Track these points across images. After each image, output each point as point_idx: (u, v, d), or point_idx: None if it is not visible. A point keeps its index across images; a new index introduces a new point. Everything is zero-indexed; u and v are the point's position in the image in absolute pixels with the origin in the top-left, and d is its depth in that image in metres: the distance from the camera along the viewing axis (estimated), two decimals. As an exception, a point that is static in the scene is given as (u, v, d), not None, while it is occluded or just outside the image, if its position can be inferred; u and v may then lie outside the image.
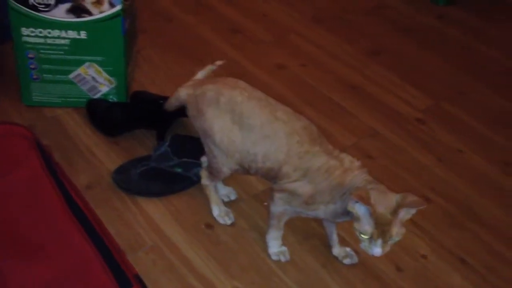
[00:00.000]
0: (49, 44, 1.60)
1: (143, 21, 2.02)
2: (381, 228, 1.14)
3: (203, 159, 1.46)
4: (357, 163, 1.24)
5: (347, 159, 1.25)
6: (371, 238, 1.15)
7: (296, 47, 2.15)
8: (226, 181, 1.52)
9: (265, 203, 1.46)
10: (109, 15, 1.56)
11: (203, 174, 1.44)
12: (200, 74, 1.46)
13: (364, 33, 2.28)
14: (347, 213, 1.20)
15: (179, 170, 1.50)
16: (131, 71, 1.79)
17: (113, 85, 1.69)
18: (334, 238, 1.40)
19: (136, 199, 1.49)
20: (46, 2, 1.54)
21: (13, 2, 1.53)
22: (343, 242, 1.43)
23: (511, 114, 1.96)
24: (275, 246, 1.39)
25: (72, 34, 1.58)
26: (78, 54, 1.63)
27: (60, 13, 1.55)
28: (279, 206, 1.32)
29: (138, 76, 1.87)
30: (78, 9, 1.55)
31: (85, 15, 1.56)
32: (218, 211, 1.46)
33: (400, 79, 2.04)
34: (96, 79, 1.68)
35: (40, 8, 1.54)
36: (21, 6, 1.54)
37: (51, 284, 1.05)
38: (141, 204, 1.48)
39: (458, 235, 1.52)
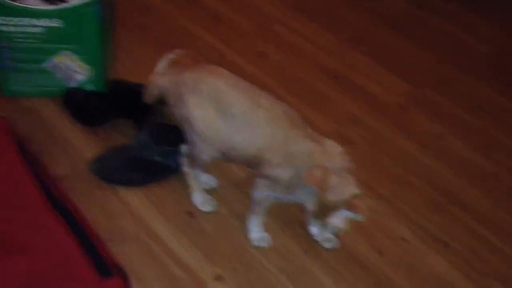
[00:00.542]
0: (23, 33, 1.56)
1: (123, 12, 1.98)
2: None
3: (183, 147, 1.44)
4: (339, 149, 1.24)
5: (329, 143, 1.25)
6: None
7: (279, 36, 2.14)
8: (207, 169, 1.50)
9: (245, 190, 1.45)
10: (85, 3, 1.53)
11: (184, 161, 1.42)
12: (161, 64, 1.40)
13: (346, 22, 2.27)
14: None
15: (159, 158, 1.48)
16: (109, 62, 1.76)
17: (89, 74, 1.66)
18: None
19: (116, 189, 1.47)
20: (18, -10, 1.50)
21: (-16, -10, 1.49)
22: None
23: (492, 101, 1.97)
24: (257, 232, 1.38)
25: (46, 22, 1.55)
26: (53, 42, 1.59)
27: (33, 1, 1.51)
28: (261, 192, 1.31)
29: (118, 68, 1.84)
30: (52, -4, 1.52)
31: (59, 2, 1.52)
32: (199, 199, 1.45)
33: (382, 67, 2.04)
34: (72, 68, 1.64)
35: (12, -4, 1.50)
36: (-8, -5, 1.50)
37: (31, 276, 1.03)
38: (122, 194, 1.46)
39: (441, 219, 1.53)
